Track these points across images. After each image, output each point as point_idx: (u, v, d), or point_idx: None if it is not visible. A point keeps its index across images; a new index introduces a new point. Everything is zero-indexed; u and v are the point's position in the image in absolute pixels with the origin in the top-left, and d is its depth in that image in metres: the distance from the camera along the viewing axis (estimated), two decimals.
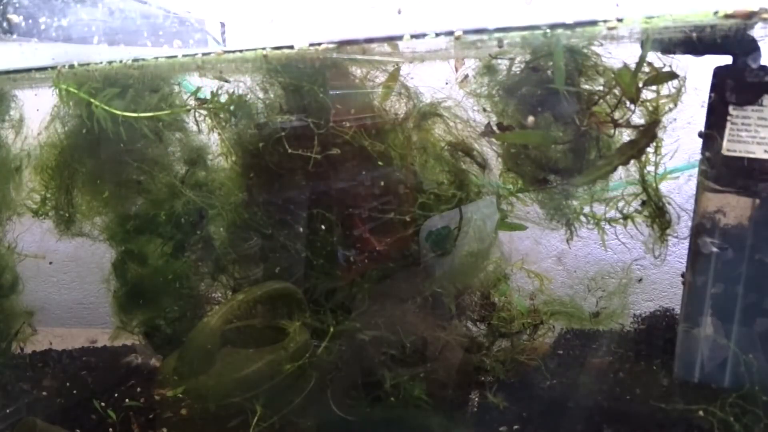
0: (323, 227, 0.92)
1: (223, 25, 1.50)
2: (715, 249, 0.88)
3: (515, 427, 0.96)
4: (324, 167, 0.89)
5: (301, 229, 0.93)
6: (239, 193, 1.01)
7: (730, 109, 0.88)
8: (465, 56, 1.04)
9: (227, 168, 1.06)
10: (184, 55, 0.86)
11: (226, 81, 1.02)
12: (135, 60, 0.89)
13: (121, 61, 0.91)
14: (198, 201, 1.03)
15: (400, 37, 0.77)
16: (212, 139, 1.12)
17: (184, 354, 0.97)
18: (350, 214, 0.92)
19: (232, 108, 0.95)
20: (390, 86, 0.97)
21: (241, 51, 0.83)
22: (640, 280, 1.13)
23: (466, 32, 0.75)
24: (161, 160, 1.10)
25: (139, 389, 1.20)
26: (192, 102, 0.99)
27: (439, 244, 1.01)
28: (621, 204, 0.90)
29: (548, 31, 0.71)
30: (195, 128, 1.08)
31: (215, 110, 0.95)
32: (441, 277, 1.04)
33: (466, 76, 1.03)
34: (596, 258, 1.19)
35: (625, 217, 0.90)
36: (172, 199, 1.08)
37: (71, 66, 0.95)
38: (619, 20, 0.69)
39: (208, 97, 1.00)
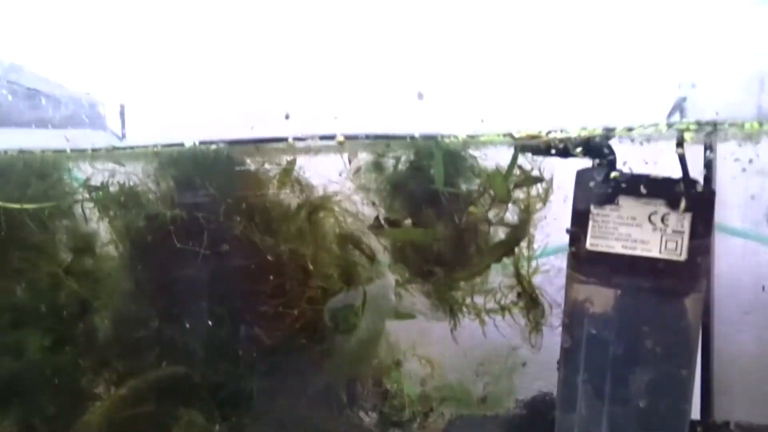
0: (210, 322, 0.92)
1: (122, 106, 1.50)
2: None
3: None
4: (213, 261, 0.90)
5: (187, 324, 0.92)
6: (126, 283, 0.99)
7: (592, 208, 0.97)
8: (358, 151, 1.09)
9: (115, 257, 1.05)
10: (72, 150, 0.86)
11: (122, 165, 1.02)
12: (21, 152, 0.88)
13: (6, 152, 0.89)
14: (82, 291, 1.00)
15: (286, 139, 0.82)
16: (101, 227, 1.10)
17: None
18: (239, 307, 0.92)
19: (122, 199, 0.95)
20: (284, 181, 1.00)
21: (132, 148, 0.84)
22: (524, 364, 1.19)
23: (347, 137, 0.80)
24: (45, 248, 1.07)
25: None
26: (80, 192, 0.98)
27: (343, 321, 1.03)
28: (498, 296, 0.96)
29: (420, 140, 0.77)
30: (83, 215, 1.06)
31: (105, 202, 0.95)
32: (335, 365, 1.06)
33: (359, 169, 1.08)
34: (486, 342, 1.24)
35: (503, 308, 0.96)
36: (55, 289, 1.04)
37: None
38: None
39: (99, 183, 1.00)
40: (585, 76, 1.21)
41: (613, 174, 0.96)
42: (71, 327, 1.04)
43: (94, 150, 0.86)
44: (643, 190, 0.94)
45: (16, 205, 0.93)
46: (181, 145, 0.84)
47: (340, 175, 1.08)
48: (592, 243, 0.97)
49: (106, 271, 1.05)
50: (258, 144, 0.87)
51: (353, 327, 1.03)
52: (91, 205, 1.01)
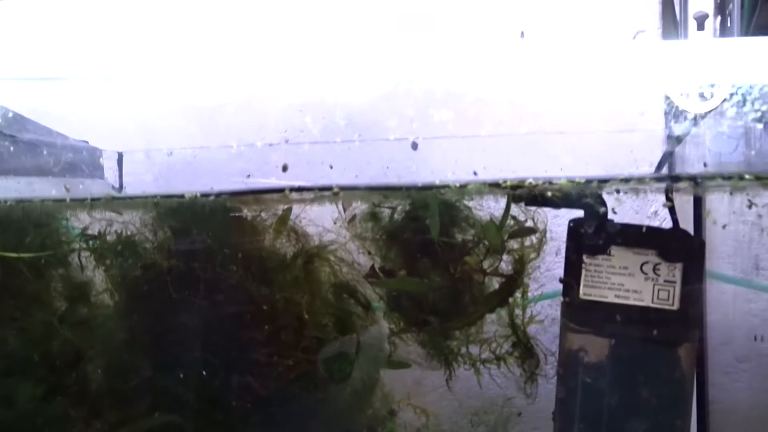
0: (205, 372, 0.92)
1: (120, 154, 1.52)
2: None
3: None
4: (208, 310, 0.91)
5: (182, 375, 0.92)
6: (120, 332, 0.99)
7: (584, 257, 0.98)
8: (352, 200, 1.11)
9: (110, 306, 1.05)
10: (72, 200, 0.88)
11: (120, 213, 1.03)
12: (20, 201, 0.89)
13: (5, 202, 0.90)
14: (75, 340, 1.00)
15: (283, 191, 0.83)
16: (97, 275, 1.11)
17: None
18: (233, 357, 0.92)
19: (119, 248, 0.96)
20: (280, 230, 1.01)
21: (131, 198, 0.86)
22: (519, 414, 1.18)
23: (343, 188, 0.82)
24: (40, 296, 1.07)
25: None
26: (77, 241, 0.99)
27: (337, 368, 1.02)
28: (493, 345, 0.97)
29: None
30: (79, 263, 1.07)
31: (102, 251, 0.95)
32: (329, 415, 1.05)
33: (354, 217, 1.09)
34: (481, 392, 1.24)
35: (498, 358, 0.96)
36: (49, 338, 1.04)
37: None
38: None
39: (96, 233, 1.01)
40: (575, 128, 1.24)
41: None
42: (64, 376, 1.03)
43: (93, 200, 0.88)
44: (634, 240, 0.96)
45: (13, 255, 0.94)
46: (181, 196, 0.86)
47: (335, 223, 1.10)
48: (585, 292, 0.98)
49: (100, 319, 1.05)
50: (256, 195, 0.89)
51: (348, 375, 1.02)
52: (87, 254, 1.01)
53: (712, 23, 1.26)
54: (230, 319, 0.93)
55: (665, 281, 0.97)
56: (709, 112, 1.05)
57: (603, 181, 0.90)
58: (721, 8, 1.26)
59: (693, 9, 1.26)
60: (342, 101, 1.48)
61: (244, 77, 1.48)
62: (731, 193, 1.00)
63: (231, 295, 0.93)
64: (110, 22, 1.69)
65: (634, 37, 1.40)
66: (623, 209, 1.02)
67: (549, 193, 0.94)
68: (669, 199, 0.92)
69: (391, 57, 1.49)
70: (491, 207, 0.98)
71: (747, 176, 0.88)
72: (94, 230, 1.05)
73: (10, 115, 1.01)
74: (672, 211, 0.96)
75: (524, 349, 0.95)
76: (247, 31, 1.60)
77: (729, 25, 1.27)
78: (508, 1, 1.46)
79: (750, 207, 1.04)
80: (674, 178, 0.92)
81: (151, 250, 0.97)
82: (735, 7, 1.26)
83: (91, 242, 1.00)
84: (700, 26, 1.28)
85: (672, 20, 1.34)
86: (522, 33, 1.45)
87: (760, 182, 0.81)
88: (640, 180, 0.90)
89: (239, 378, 0.95)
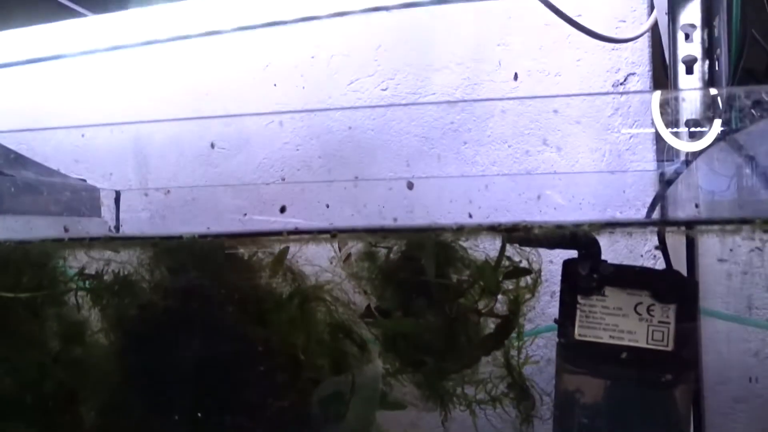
0: (199, 413, 0.91)
1: (118, 193, 1.53)
2: None
3: None
4: (204, 352, 0.91)
5: (176, 416, 0.91)
6: (115, 372, 0.99)
7: (579, 298, 0.99)
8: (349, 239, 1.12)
9: (106, 345, 1.04)
10: (70, 239, 0.88)
11: (117, 252, 1.04)
12: (20, 243, 0.90)
13: (5, 242, 0.91)
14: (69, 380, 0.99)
15: (280, 233, 0.85)
16: (93, 314, 1.11)
17: None
18: (228, 399, 0.92)
19: (116, 288, 0.96)
20: (276, 270, 1.02)
21: (131, 238, 0.86)
22: None
23: (340, 231, 0.83)
24: (35, 336, 1.07)
25: None
26: (74, 282, 0.99)
27: (332, 409, 1.02)
28: (489, 386, 0.96)
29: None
30: (76, 302, 1.07)
31: (98, 292, 0.96)
32: None
33: (349, 255, 1.10)
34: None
35: (494, 400, 0.96)
36: (42, 378, 1.03)
37: None
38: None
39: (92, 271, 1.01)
40: (569, 168, 1.26)
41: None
42: (57, 417, 1.02)
43: (92, 239, 0.89)
44: (627, 280, 0.97)
45: (9, 294, 0.94)
46: (180, 237, 0.87)
47: (331, 262, 1.10)
48: (580, 333, 0.98)
49: (95, 360, 1.04)
50: (254, 237, 0.90)
51: (343, 416, 1.02)
52: (83, 293, 1.02)
53: (701, 67, 1.30)
54: (225, 360, 0.93)
55: (659, 322, 0.97)
56: (701, 152, 1.07)
57: (595, 225, 0.91)
58: (709, 53, 1.29)
59: (682, 53, 1.29)
60: (338, 140, 1.50)
61: (241, 116, 1.51)
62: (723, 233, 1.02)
63: (226, 336, 0.93)
64: (110, 61, 1.72)
65: (625, 80, 1.44)
66: (617, 247, 1.03)
67: (542, 236, 0.95)
68: (661, 241, 0.93)
69: (388, 96, 1.52)
70: (486, 248, 0.99)
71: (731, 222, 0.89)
72: (91, 269, 1.05)
73: (13, 156, 1.03)
74: (664, 252, 0.97)
75: (520, 390, 0.95)
76: (244, 71, 1.63)
77: (717, 68, 1.31)
78: (502, 43, 1.50)
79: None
80: (664, 223, 0.94)
81: (147, 289, 0.97)
82: (723, 52, 1.30)
83: (87, 282, 1.00)
84: (689, 70, 1.31)
85: (661, 64, 1.37)
86: (515, 75, 1.49)
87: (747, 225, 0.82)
88: (628, 224, 0.92)
89: (234, 419, 0.94)
